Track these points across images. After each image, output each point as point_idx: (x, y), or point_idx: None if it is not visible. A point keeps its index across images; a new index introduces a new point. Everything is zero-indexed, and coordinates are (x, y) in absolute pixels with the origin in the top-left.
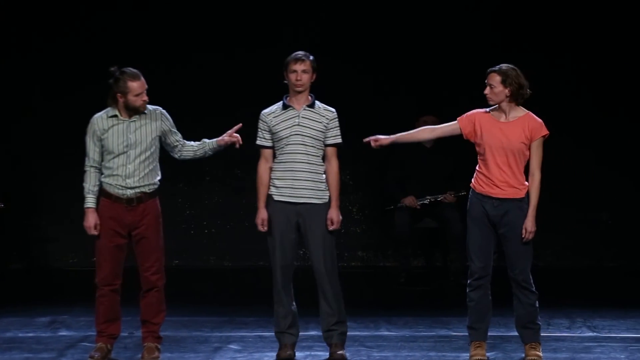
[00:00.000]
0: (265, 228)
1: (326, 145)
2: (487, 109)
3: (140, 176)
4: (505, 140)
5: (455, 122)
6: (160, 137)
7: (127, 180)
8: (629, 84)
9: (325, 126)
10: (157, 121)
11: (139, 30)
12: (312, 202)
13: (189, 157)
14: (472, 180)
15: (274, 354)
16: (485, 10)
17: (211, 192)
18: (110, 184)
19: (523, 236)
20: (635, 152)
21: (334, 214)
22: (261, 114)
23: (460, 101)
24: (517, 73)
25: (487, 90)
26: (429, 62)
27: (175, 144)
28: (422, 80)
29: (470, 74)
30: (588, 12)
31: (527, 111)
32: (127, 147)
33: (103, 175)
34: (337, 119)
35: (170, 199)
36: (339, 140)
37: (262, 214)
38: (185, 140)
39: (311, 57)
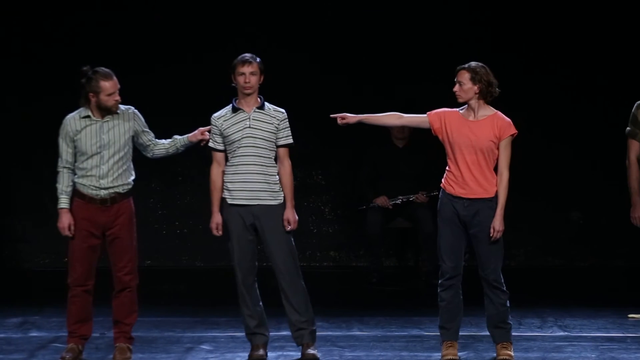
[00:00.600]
0: (220, 232)
1: (278, 146)
2: (457, 109)
3: (114, 176)
4: (474, 139)
5: (425, 115)
6: (132, 137)
7: (101, 181)
8: (602, 81)
9: (276, 127)
10: (130, 121)
11: (116, 33)
12: (266, 204)
13: (161, 155)
14: (443, 180)
15: (246, 355)
16: (456, 9)
17: (183, 192)
18: (84, 185)
19: (491, 235)
20: (606, 151)
21: (290, 215)
22: (212, 118)
23: (429, 100)
24: (487, 71)
25: (456, 88)
26: (397, 62)
27: (147, 144)
28: (390, 80)
29: (440, 73)
30: (561, 8)
31: (496, 110)
32: (100, 148)
33: (77, 176)
34: (287, 120)
35: (142, 199)
36: (290, 140)
37: (217, 218)
38: (157, 139)
39: (258, 59)
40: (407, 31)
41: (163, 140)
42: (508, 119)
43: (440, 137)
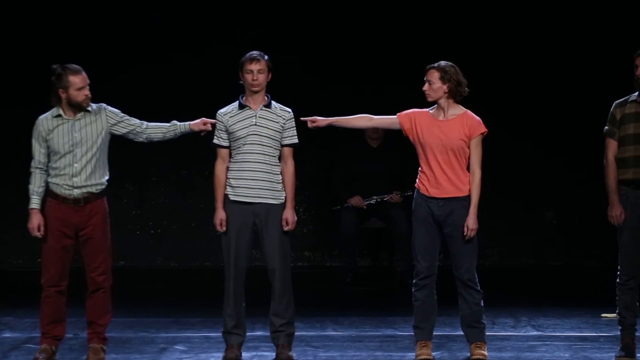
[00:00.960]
0: (224, 228)
1: (283, 146)
2: (427, 109)
3: (87, 174)
4: (444, 139)
5: (395, 116)
6: (112, 133)
7: (74, 179)
8: (577, 81)
9: (282, 126)
10: (101, 118)
11: (110, 34)
12: (268, 202)
13: (158, 138)
14: (417, 180)
15: (221, 355)
16: (428, 9)
17: (157, 192)
18: (57, 184)
19: (465, 234)
20: (580, 151)
21: (289, 215)
22: (217, 114)
23: (403, 100)
24: (456, 70)
25: (425, 87)
26: (374, 62)
27: (134, 129)
28: (366, 80)
29: (413, 73)
30: (537, 8)
31: (465, 109)
32: (72, 146)
33: (50, 176)
34: (293, 119)
35: (116, 200)
36: (295, 140)
37: (221, 215)
38: (147, 122)
39: (266, 57)
40: (382, 33)
41: (159, 124)
42: (478, 118)
43: (410, 138)
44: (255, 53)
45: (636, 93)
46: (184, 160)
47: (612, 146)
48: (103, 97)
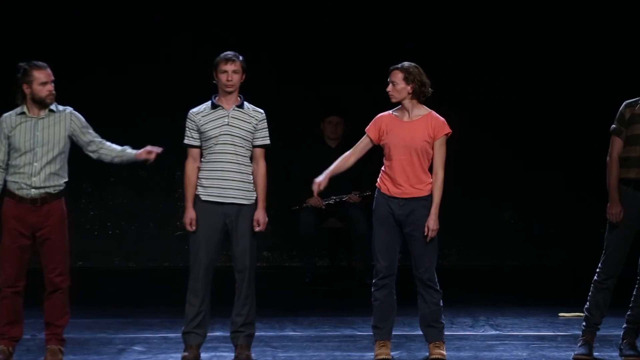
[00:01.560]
0: (194, 228)
1: (254, 146)
2: (391, 111)
3: (46, 175)
4: (409, 139)
5: (365, 135)
6: (71, 138)
7: (33, 179)
8: (540, 82)
9: (254, 127)
10: (65, 121)
11: (71, 37)
12: (239, 203)
13: (106, 160)
14: (378, 180)
15: (179, 355)
16: (392, 10)
17: (115, 193)
18: (16, 182)
19: (426, 234)
20: (538, 151)
21: (261, 215)
22: (189, 113)
23: (364, 101)
24: (420, 71)
25: (389, 88)
26: (333, 63)
27: (89, 142)
28: (326, 81)
29: (375, 73)
30: (505, 8)
31: (430, 110)
32: (33, 145)
33: (8, 174)
34: (265, 120)
35: (74, 200)
36: (267, 141)
37: (191, 214)
38: (103, 141)
39: (241, 58)
40: (345, 33)
41: (112, 145)
42: (442, 119)
43: (381, 144)
44: (230, 53)
45: None
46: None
47: (617, 145)
48: (72, 99)
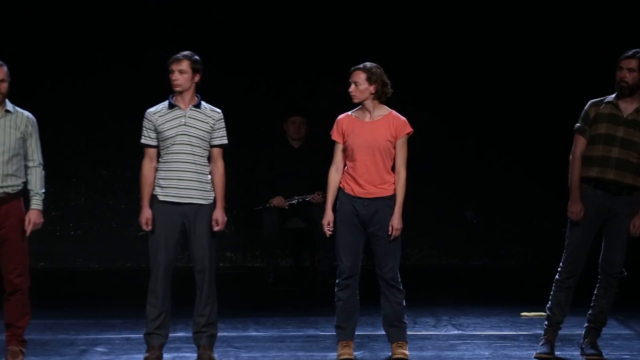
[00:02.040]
0: (150, 227)
1: (212, 146)
2: (350, 112)
3: (3, 176)
4: (371, 140)
5: (335, 143)
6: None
7: None
8: (498, 78)
9: (211, 127)
10: (22, 123)
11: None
12: (197, 203)
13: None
14: (341, 180)
15: (142, 356)
16: (355, 10)
17: (77, 193)
18: None
19: (390, 233)
20: (500, 150)
21: (220, 215)
22: (146, 113)
23: (327, 101)
24: (381, 71)
25: (351, 88)
26: (296, 63)
27: (29, 158)
28: (290, 81)
29: (338, 73)
30: (471, 9)
31: (391, 110)
32: None
33: None
34: (223, 120)
35: None
36: (225, 141)
37: (147, 213)
38: (38, 169)
39: (193, 58)
40: (304, 32)
41: (37, 181)
42: (403, 118)
43: (343, 145)
44: (181, 53)
45: (613, 95)
46: (105, 161)
47: (580, 143)
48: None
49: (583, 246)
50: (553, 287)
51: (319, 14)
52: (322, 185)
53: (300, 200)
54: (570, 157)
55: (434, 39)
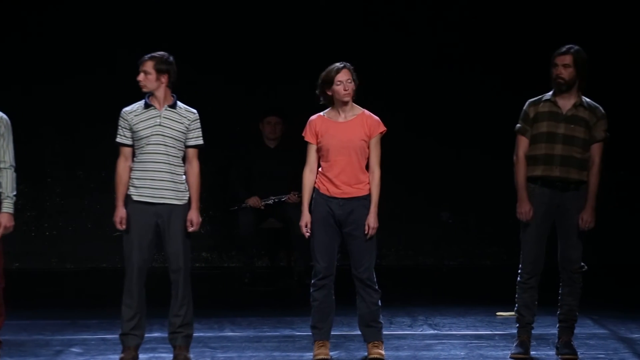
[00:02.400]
0: (124, 226)
1: (187, 147)
2: (322, 113)
3: None
4: (346, 140)
5: (308, 144)
6: None
7: None
8: (473, 79)
9: (186, 127)
10: None
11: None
12: (171, 203)
13: None
14: (316, 180)
15: (117, 357)
16: (329, 9)
17: (52, 193)
18: None
19: (366, 232)
20: (475, 151)
21: (194, 215)
22: (122, 112)
23: (303, 101)
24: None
25: (340, 88)
26: (272, 63)
27: (0, 159)
28: (266, 81)
29: (314, 73)
30: (440, 10)
31: (363, 109)
32: None
33: None
34: (199, 120)
35: None
36: (200, 141)
37: (121, 212)
38: (9, 171)
39: (161, 58)
40: (279, 32)
41: (3, 182)
42: (376, 117)
43: (317, 146)
44: (149, 54)
45: (550, 92)
46: (80, 161)
47: (523, 144)
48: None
49: (539, 245)
50: (517, 289)
51: (293, 14)
52: (298, 186)
53: (276, 200)
54: (514, 158)
55: (405, 39)
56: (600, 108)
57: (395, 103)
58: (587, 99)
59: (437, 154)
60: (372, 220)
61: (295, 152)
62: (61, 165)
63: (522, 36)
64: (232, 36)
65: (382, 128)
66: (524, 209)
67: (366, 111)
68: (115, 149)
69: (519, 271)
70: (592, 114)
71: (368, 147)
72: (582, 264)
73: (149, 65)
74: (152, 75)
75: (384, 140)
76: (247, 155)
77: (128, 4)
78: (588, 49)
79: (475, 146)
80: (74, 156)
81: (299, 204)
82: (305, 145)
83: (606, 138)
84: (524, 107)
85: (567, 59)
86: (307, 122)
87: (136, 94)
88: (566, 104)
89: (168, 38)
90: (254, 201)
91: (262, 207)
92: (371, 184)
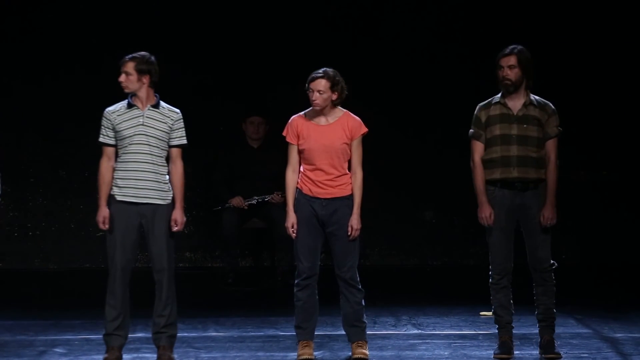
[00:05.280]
0: (107, 226)
1: (171, 146)
2: (303, 113)
3: None
4: (328, 143)
5: (289, 144)
6: None
7: None
8: (456, 78)
9: (170, 127)
10: None
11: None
12: (155, 203)
13: None
14: (298, 181)
15: (101, 357)
16: (312, 10)
17: (35, 193)
18: None
19: (349, 233)
20: (458, 150)
21: (178, 215)
22: (105, 112)
23: (286, 101)
24: (340, 77)
25: (315, 96)
26: (254, 62)
27: None
28: (249, 81)
29: (296, 73)
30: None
31: (345, 110)
32: None
33: None
34: (182, 120)
35: None
36: (184, 141)
37: (104, 212)
38: None
39: (141, 58)
40: (262, 32)
41: None
42: (358, 119)
43: (299, 148)
44: (130, 55)
45: (499, 94)
46: (62, 161)
47: (478, 148)
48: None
49: (505, 245)
50: (491, 291)
51: (276, 13)
52: (282, 186)
53: (259, 200)
54: (471, 163)
55: (387, 39)
56: (550, 104)
57: (377, 103)
58: (536, 97)
59: (420, 153)
60: (355, 222)
61: (278, 152)
62: (44, 166)
63: (507, 37)
64: (215, 36)
65: (364, 130)
66: (485, 214)
67: (348, 113)
68: (98, 150)
69: (490, 273)
70: (542, 112)
71: (350, 149)
72: (552, 261)
73: (130, 66)
74: (134, 76)
75: (368, 140)
76: (230, 155)
77: (111, 4)
78: (578, 48)
79: (458, 146)
80: (57, 157)
81: (283, 204)
82: (287, 144)
83: (559, 133)
84: (475, 112)
85: (512, 60)
86: (288, 122)
87: (120, 94)
88: (516, 104)
89: (150, 38)
90: (237, 201)
91: (246, 207)
92: (353, 185)
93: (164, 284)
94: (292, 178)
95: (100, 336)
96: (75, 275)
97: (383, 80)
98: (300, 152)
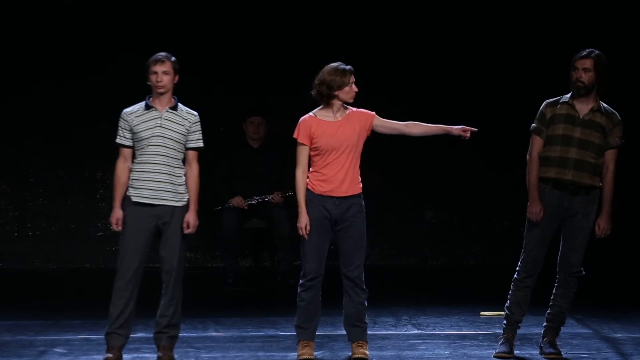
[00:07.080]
0: (120, 227)
1: (187, 149)
2: (312, 113)
3: None
4: (343, 138)
5: (300, 145)
6: None
7: None
8: (460, 76)
9: (187, 129)
10: None
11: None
12: (170, 205)
13: None
14: (308, 182)
15: (101, 357)
16: (312, 10)
17: (35, 193)
18: None
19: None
20: (459, 150)
21: (191, 218)
22: (123, 113)
23: (287, 101)
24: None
25: (352, 89)
26: (255, 62)
27: None
28: (249, 81)
29: (298, 74)
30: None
31: (348, 107)
32: None
33: None
34: (199, 123)
35: None
36: (200, 144)
37: (117, 213)
38: None
39: (172, 59)
40: (263, 32)
41: None
42: (361, 109)
43: (312, 147)
44: (161, 54)
45: (568, 95)
46: (63, 161)
47: (537, 144)
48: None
49: (541, 246)
50: (512, 287)
51: (276, 13)
52: (282, 186)
53: (259, 200)
54: (528, 157)
55: (394, 38)
56: (617, 114)
57: (377, 103)
58: (605, 105)
59: (421, 153)
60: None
61: (278, 152)
62: (44, 166)
63: (512, 40)
64: (216, 36)
65: (371, 113)
66: (535, 209)
67: (351, 107)
68: (98, 149)
69: (517, 269)
70: (608, 120)
71: (369, 133)
72: (581, 268)
73: (168, 65)
74: (171, 76)
75: (367, 139)
76: (231, 155)
77: (112, 7)
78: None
79: (459, 146)
80: (57, 157)
81: (283, 204)
82: (290, 145)
83: (621, 145)
84: (541, 108)
85: (588, 63)
86: (299, 123)
87: (120, 95)
88: (584, 108)
89: (150, 38)
90: (237, 201)
91: (246, 207)
92: (415, 124)
93: (171, 285)
94: (302, 179)
95: (100, 336)
96: (75, 275)
97: (383, 80)
98: (312, 150)
